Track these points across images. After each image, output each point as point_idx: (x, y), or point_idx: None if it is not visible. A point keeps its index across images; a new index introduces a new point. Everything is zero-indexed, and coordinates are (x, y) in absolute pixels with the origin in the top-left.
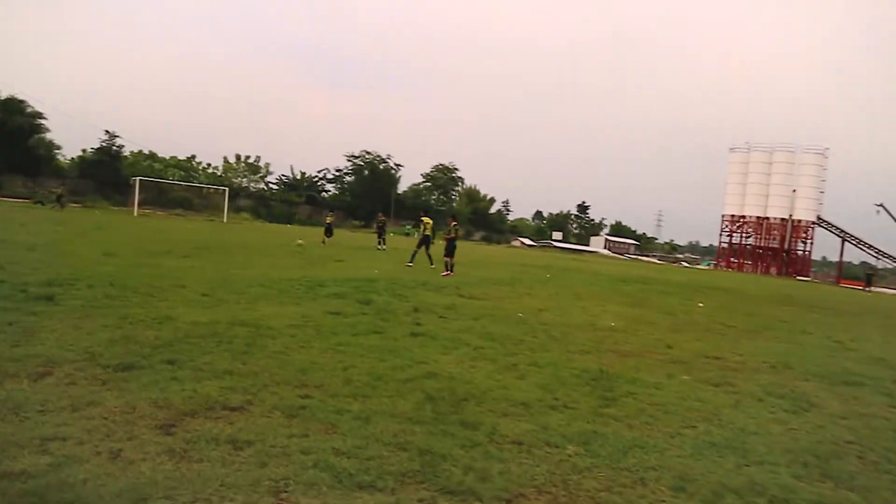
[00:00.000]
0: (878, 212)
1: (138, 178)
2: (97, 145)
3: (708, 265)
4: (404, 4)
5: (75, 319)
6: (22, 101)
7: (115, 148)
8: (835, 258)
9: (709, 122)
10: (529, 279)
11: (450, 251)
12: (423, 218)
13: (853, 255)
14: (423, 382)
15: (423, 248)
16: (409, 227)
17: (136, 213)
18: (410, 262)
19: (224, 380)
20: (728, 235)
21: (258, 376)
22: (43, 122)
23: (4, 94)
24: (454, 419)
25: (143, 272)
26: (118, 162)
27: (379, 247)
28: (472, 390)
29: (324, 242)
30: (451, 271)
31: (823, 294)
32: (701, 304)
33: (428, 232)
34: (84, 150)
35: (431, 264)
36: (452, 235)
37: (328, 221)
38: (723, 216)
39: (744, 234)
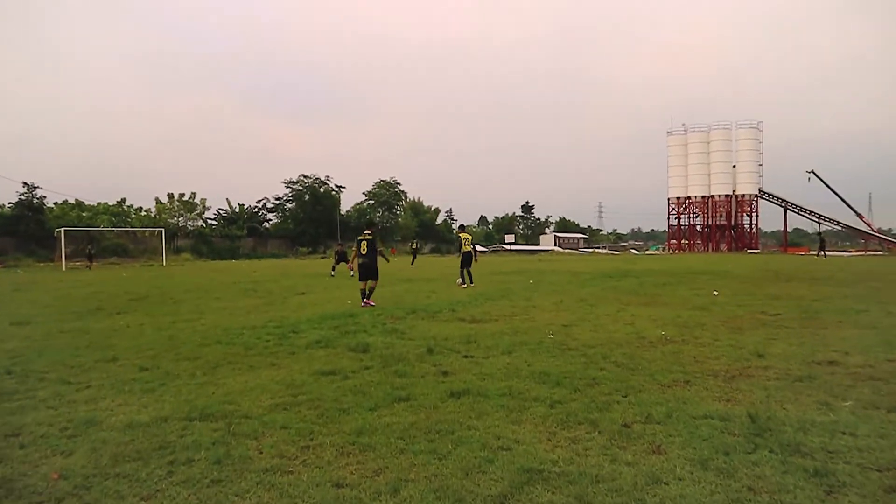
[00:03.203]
0: (808, 179)
1: (62, 228)
2: (14, 200)
3: (656, 249)
4: (329, 25)
5: None
6: None
7: (35, 200)
8: (767, 228)
9: (639, 110)
10: (517, 288)
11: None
12: (460, 234)
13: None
14: (532, 495)
15: (466, 268)
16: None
17: (64, 268)
18: (463, 283)
19: None
20: (676, 217)
21: None
22: None
23: None
24: None
25: (60, 343)
26: (42, 215)
27: (333, 273)
28: (622, 498)
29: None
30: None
31: (797, 265)
32: (716, 293)
33: (467, 248)
34: (2, 206)
35: (471, 282)
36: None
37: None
38: (668, 199)
39: (691, 215)
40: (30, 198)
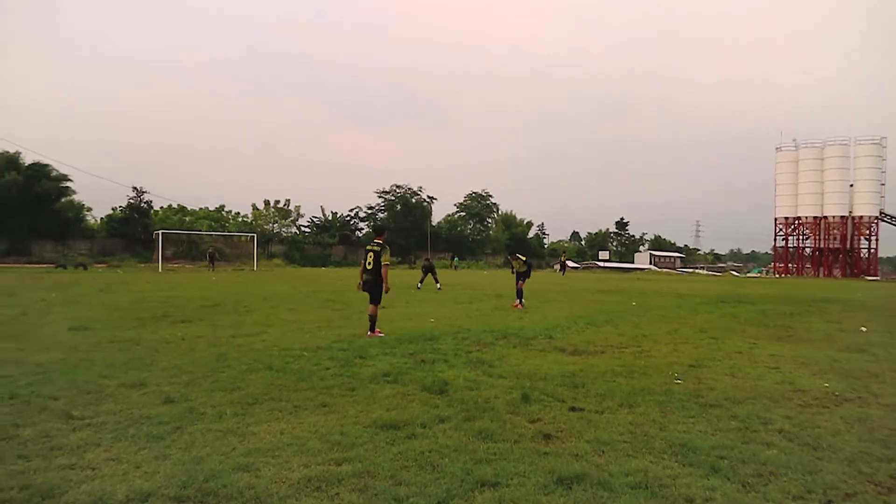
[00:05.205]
0: None
1: (160, 231)
2: (125, 203)
3: (759, 272)
4: (425, 38)
5: None
6: (46, 166)
7: (143, 204)
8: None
9: (741, 126)
10: (619, 311)
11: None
12: (518, 256)
13: None
14: None
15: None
16: (457, 259)
17: (160, 269)
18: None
19: None
20: (783, 239)
21: None
22: (69, 184)
23: (29, 160)
24: None
25: (99, 357)
26: (147, 218)
27: (420, 286)
28: None
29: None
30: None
31: None
32: (864, 329)
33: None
34: (113, 209)
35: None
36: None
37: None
38: (776, 219)
39: (801, 237)
40: (138, 202)
